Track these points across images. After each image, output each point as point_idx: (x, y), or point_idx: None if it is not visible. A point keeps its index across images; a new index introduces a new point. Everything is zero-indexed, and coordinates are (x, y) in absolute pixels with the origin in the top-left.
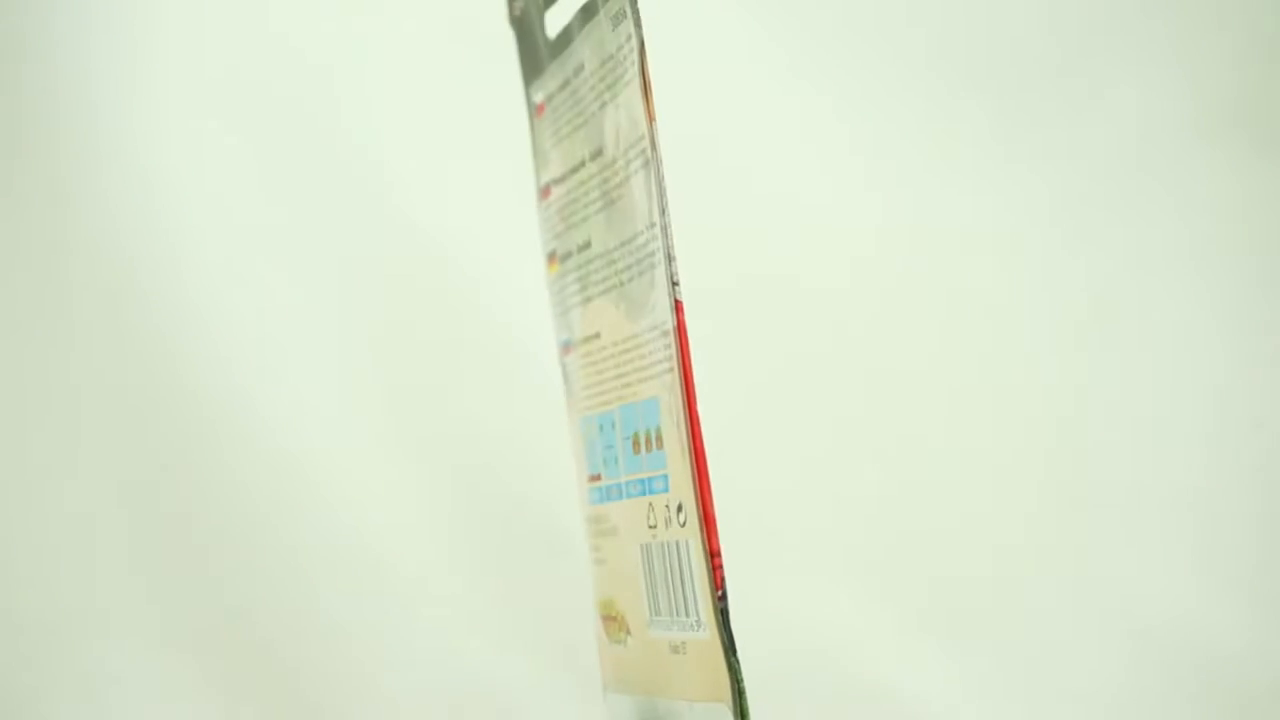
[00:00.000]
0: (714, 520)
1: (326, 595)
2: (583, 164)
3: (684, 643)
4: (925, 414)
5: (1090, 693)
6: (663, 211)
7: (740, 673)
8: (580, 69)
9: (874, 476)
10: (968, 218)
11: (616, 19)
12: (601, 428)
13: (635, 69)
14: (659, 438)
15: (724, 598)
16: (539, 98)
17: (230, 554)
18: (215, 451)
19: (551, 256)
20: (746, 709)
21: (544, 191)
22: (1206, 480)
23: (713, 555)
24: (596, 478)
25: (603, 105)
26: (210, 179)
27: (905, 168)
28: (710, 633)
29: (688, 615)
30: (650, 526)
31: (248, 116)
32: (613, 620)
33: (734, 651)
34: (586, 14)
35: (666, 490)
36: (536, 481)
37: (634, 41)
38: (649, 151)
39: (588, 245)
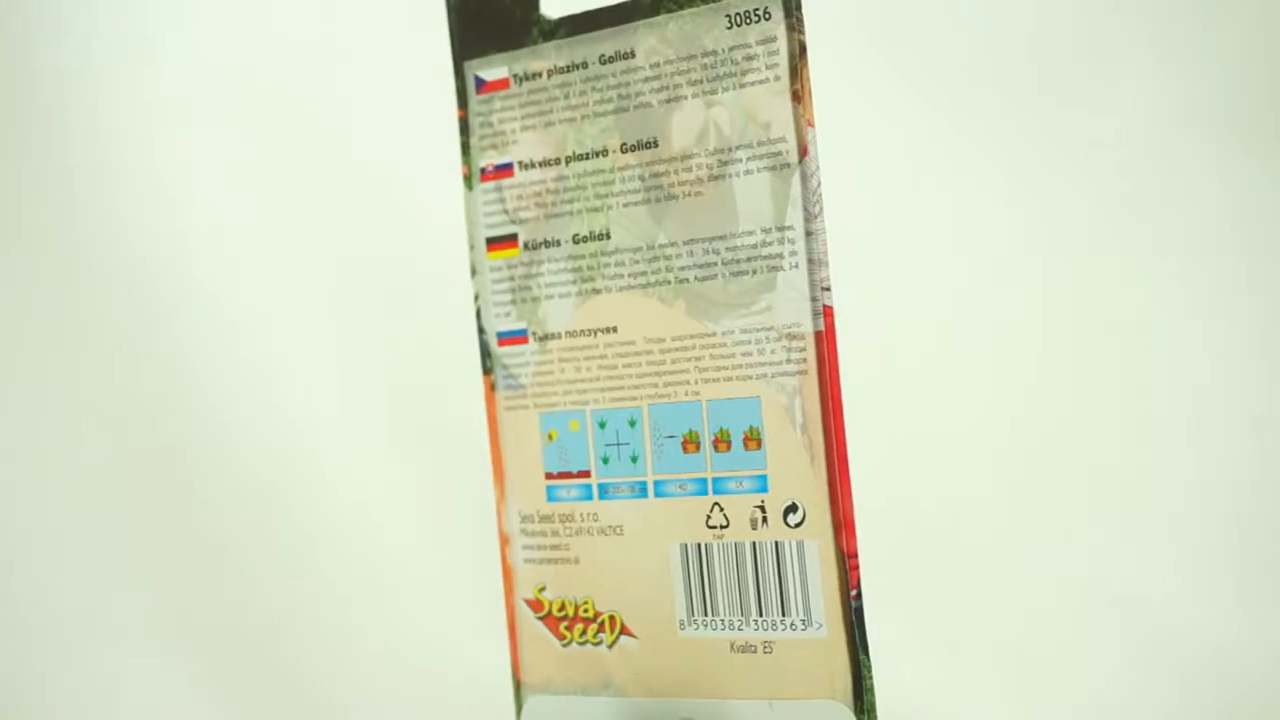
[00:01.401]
0: (853, 523)
1: (324, 594)
2: (603, 152)
3: (770, 643)
4: (922, 411)
5: (1086, 692)
6: (814, 217)
7: (871, 670)
8: (625, 55)
9: (876, 475)
10: (985, 221)
11: (743, 19)
12: (604, 424)
13: (778, 72)
14: (752, 438)
15: (859, 597)
16: (496, 73)
17: (227, 554)
18: (212, 453)
19: (506, 240)
20: (874, 704)
21: (496, 171)
22: (1206, 479)
23: (850, 556)
24: (579, 474)
25: (672, 99)
26: (206, 176)
27: (921, 171)
28: (829, 631)
29: (784, 615)
30: (713, 526)
31: (243, 114)
32: (586, 622)
33: (866, 649)
34: (664, 4)
35: (763, 490)
36: None
37: (781, 44)
38: (790, 155)
39: (602, 236)
